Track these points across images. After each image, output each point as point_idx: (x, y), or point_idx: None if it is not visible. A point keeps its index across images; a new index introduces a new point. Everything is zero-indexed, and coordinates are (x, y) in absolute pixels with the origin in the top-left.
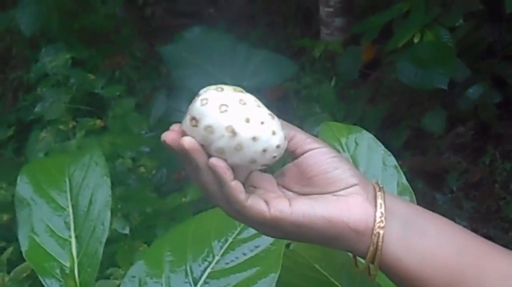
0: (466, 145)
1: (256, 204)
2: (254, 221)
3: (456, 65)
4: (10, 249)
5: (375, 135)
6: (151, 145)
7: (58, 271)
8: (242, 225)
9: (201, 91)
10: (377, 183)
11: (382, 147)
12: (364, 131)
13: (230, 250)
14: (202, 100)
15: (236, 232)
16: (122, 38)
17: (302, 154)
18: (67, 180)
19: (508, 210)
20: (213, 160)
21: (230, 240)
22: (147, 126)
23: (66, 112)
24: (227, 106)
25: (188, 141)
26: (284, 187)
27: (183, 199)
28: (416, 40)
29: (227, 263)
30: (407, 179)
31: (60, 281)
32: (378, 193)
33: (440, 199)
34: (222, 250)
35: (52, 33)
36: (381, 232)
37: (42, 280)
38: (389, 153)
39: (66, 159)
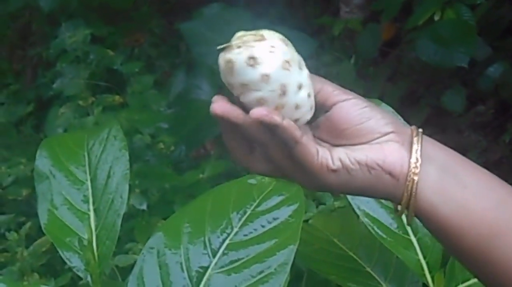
0: (486, 124)
1: (309, 144)
2: (301, 164)
3: (477, 43)
4: (28, 224)
5: (394, 113)
6: (170, 122)
7: (76, 243)
8: (261, 197)
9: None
10: (416, 127)
11: (401, 119)
12: (384, 104)
13: (249, 222)
14: (272, 46)
15: (255, 204)
16: (141, 16)
17: (331, 106)
18: (85, 154)
19: None
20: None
21: (249, 212)
22: (166, 103)
23: (85, 88)
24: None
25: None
26: (319, 139)
27: (201, 175)
28: (436, 18)
29: (246, 235)
30: None
31: (78, 253)
32: (415, 138)
33: None
34: (241, 222)
35: (71, 10)
36: (416, 178)
37: (60, 252)
38: (406, 124)
39: (84, 134)
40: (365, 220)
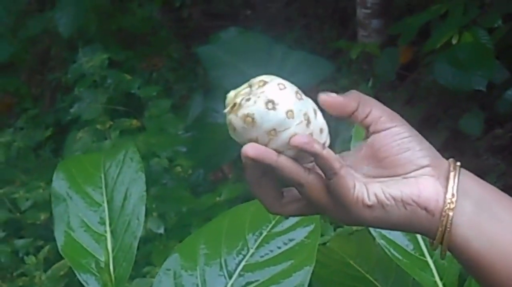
0: (505, 147)
1: (347, 176)
2: (337, 197)
3: (495, 66)
4: (47, 248)
5: None
6: (188, 145)
7: (93, 265)
8: (277, 218)
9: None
10: (453, 160)
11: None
12: None
13: (265, 243)
14: (279, 84)
15: (271, 225)
16: (159, 40)
17: (374, 133)
18: (102, 176)
19: None
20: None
21: (265, 233)
22: (183, 127)
23: (103, 112)
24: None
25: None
26: (352, 168)
27: (218, 199)
28: (454, 42)
29: (262, 256)
30: None
31: (95, 275)
32: (451, 173)
33: None
34: (257, 243)
35: (89, 35)
36: (451, 213)
37: (78, 275)
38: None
39: (101, 156)
40: (381, 242)
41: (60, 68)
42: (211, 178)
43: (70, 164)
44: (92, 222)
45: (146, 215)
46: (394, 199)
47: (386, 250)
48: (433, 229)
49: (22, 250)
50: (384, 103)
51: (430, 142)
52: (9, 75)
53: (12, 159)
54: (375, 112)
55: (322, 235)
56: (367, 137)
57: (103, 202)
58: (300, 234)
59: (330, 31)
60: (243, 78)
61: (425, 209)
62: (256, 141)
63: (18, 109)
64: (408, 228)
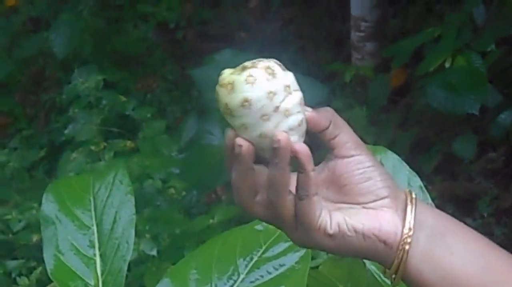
0: (498, 171)
1: (317, 203)
2: (301, 219)
3: (488, 90)
4: (39, 269)
5: (405, 160)
6: (181, 167)
7: None
8: (268, 243)
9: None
10: (409, 192)
11: (407, 167)
12: (389, 152)
13: (255, 269)
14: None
15: (261, 250)
16: (153, 61)
17: (337, 158)
18: (91, 198)
19: None
20: (299, 147)
21: (255, 258)
22: (177, 148)
23: (97, 133)
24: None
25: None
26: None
27: (211, 221)
28: (447, 65)
29: (252, 282)
30: (435, 204)
31: None
32: (408, 207)
33: (470, 224)
34: (247, 269)
35: (84, 56)
36: (407, 247)
37: None
38: (414, 173)
39: (90, 178)
40: (372, 267)
41: (55, 88)
42: (205, 199)
43: (59, 186)
44: (81, 245)
45: (139, 237)
46: (355, 231)
47: (377, 276)
48: (389, 260)
49: (15, 271)
50: (378, 126)
51: (424, 165)
52: (3, 95)
53: (6, 179)
54: (343, 136)
55: (313, 259)
56: (329, 159)
57: (92, 225)
58: (291, 259)
59: (325, 54)
60: None
61: (384, 242)
62: (247, 125)
63: (12, 129)
64: (365, 257)
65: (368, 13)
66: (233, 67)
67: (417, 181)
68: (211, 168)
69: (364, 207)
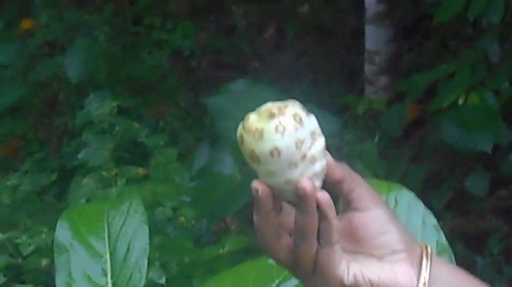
0: (509, 209)
1: (338, 252)
2: (320, 267)
3: (501, 128)
4: None
5: (417, 195)
6: (192, 195)
7: None
8: (281, 278)
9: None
10: (425, 246)
11: (422, 205)
12: (405, 189)
13: None
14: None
15: (274, 285)
16: (167, 88)
17: (354, 210)
18: (105, 226)
19: None
20: (321, 195)
21: None
22: (189, 176)
23: (109, 159)
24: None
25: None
26: None
27: (221, 251)
28: (460, 102)
29: None
30: (447, 239)
31: None
32: (424, 261)
33: (480, 262)
34: None
35: (99, 81)
36: None
37: None
38: (429, 212)
39: (105, 206)
40: None
41: (68, 113)
42: (214, 228)
43: (73, 213)
44: (94, 273)
45: (148, 265)
46: (371, 283)
47: None
48: None
49: None
50: (390, 160)
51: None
52: (17, 118)
53: (17, 202)
54: (360, 190)
55: None
56: (347, 210)
57: (105, 253)
58: None
59: (338, 86)
60: None
61: None
62: (273, 172)
63: (24, 152)
64: None
65: (382, 47)
66: (247, 97)
67: (432, 220)
68: (221, 197)
69: (380, 260)
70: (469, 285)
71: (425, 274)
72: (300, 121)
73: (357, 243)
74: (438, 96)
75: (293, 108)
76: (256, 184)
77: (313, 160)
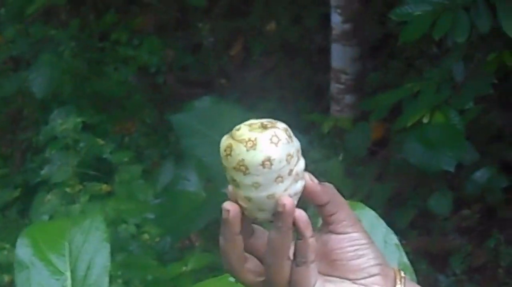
0: (472, 228)
1: (314, 271)
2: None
3: (465, 147)
4: None
5: (381, 214)
6: (156, 212)
7: None
8: None
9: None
10: (398, 270)
11: (384, 224)
12: (367, 208)
13: None
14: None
15: None
16: (133, 105)
17: (332, 233)
18: (67, 243)
19: None
20: (298, 214)
21: None
22: (153, 193)
23: (73, 175)
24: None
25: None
26: None
27: (184, 268)
28: (425, 121)
29: None
30: (409, 259)
31: None
32: (398, 285)
33: (443, 281)
34: None
35: (63, 97)
36: None
37: None
38: (391, 231)
39: (67, 223)
40: None
41: (32, 128)
42: (178, 246)
43: (35, 230)
44: None
45: (110, 282)
46: None
47: None
48: None
49: None
50: (355, 178)
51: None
52: None
53: None
54: (342, 214)
55: None
56: (323, 231)
57: (66, 270)
58: None
59: (304, 104)
60: (215, 148)
61: None
62: (259, 185)
63: None
64: None
65: (348, 65)
66: (212, 114)
67: (393, 239)
68: (186, 214)
69: (354, 283)
70: None
71: None
72: (291, 136)
73: (332, 266)
74: (403, 115)
75: (283, 124)
76: (227, 205)
77: (297, 178)
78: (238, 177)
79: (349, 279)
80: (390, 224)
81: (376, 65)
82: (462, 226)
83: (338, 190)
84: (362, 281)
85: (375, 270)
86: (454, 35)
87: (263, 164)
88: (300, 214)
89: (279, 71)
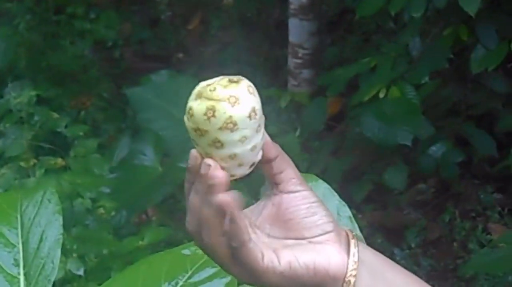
0: (427, 203)
1: (255, 248)
2: (245, 265)
3: (420, 122)
4: None
5: (336, 188)
6: (112, 186)
7: None
8: (194, 268)
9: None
10: (350, 230)
11: (337, 197)
12: (320, 180)
13: None
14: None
15: (187, 275)
16: (89, 79)
17: (283, 193)
18: (18, 216)
19: (465, 269)
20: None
21: (181, 283)
22: (108, 168)
23: (27, 149)
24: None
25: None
26: (256, 226)
27: (140, 242)
28: (381, 95)
29: None
30: (364, 232)
31: None
32: (352, 241)
33: (398, 254)
34: None
35: (19, 70)
36: (353, 280)
37: None
38: (344, 203)
39: (18, 195)
40: None
41: None
42: (135, 220)
43: None
44: (5, 263)
45: (66, 256)
46: (307, 267)
47: None
48: None
49: None
50: (311, 153)
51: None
52: None
53: None
54: (290, 172)
55: (238, 285)
56: (273, 194)
57: (18, 243)
58: (217, 285)
59: (262, 79)
60: (171, 122)
61: (333, 277)
62: (246, 138)
63: None
64: None
65: (306, 40)
66: (169, 88)
67: (347, 211)
68: (142, 188)
69: (310, 242)
70: (393, 268)
71: (354, 252)
72: (254, 90)
73: (286, 227)
74: (360, 90)
75: (238, 75)
76: (209, 161)
77: (261, 129)
78: (224, 136)
79: (305, 238)
80: (346, 198)
81: (333, 40)
82: (417, 200)
83: (294, 163)
84: (318, 239)
85: (329, 227)
86: (410, 10)
87: (249, 116)
88: (224, 199)
89: (236, 45)
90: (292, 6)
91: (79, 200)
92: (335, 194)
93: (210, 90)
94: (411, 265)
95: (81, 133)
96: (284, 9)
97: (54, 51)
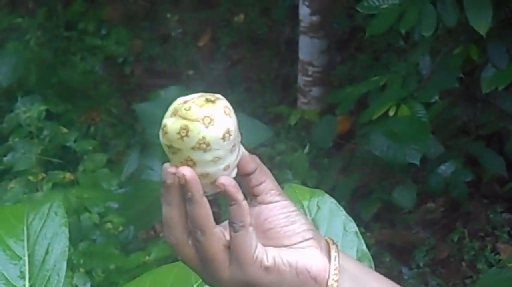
0: (435, 222)
1: (253, 234)
2: (236, 253)
3: (430, 141)
4: None
5: (345, 206)
6: (120, 202)
7: None
8: (199, 281)
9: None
10: (330, 238)
11: (344, 212)
12: (327, 196)
13: None
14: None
15: None
16: (99, 95)
17: (261, 204)
18: (25, 228)
19: None
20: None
21: None
22: (117, 182)
23: (36, 164)
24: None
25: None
26: None
27: (147, 258)
28: (391, 114)
29: None
30: (373, 251)
31: None
32: (333, 247)
33: (406, 273)
34: None
35: (29, 86)
36: (335, 285)
37: None
38: (350, 219)
39: (25, 208)
40: None
41: None
42: (142, 236)
43: None
44: (11, 275)
45: (73, 271)
46: (290, 265)
47: None
48: None
49: None
50: (320, 170)
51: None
52: None
53: None
54: (268, 183)
55: None
56: (252, 205)
57: (24, 255)
58: None
59: (271, 96)
60: None
61: (315, 279)
62: (219, 158)
63: None
64: None
65: (316, 58)
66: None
67: (353, 227)
68: (150, 204)
69: (291, 248)
70: (375, 276)
71: (335, 257)
72: (230, 110)
73: (267, 236)
74: (369, 108)
75: (217, 94)
76: (183, 169)
77: (236, 149)
78: (197, 156)
79: (285, 246)
80: (354, 216)
81: (343, 58)
82: (426, 219)
83: (302, 182)
84: (299, 245)
85: (308, 234)
86: (420, 28)
87: (223, 137)
88: (225, 179)
89: (246, 62)
90: (302, 24)
91: (86, 215)
92: (342, 209)
93: (185, 109)
94: (420, 284)
95: (90, 148)
96: (294, 27)
97: (64, 67)
